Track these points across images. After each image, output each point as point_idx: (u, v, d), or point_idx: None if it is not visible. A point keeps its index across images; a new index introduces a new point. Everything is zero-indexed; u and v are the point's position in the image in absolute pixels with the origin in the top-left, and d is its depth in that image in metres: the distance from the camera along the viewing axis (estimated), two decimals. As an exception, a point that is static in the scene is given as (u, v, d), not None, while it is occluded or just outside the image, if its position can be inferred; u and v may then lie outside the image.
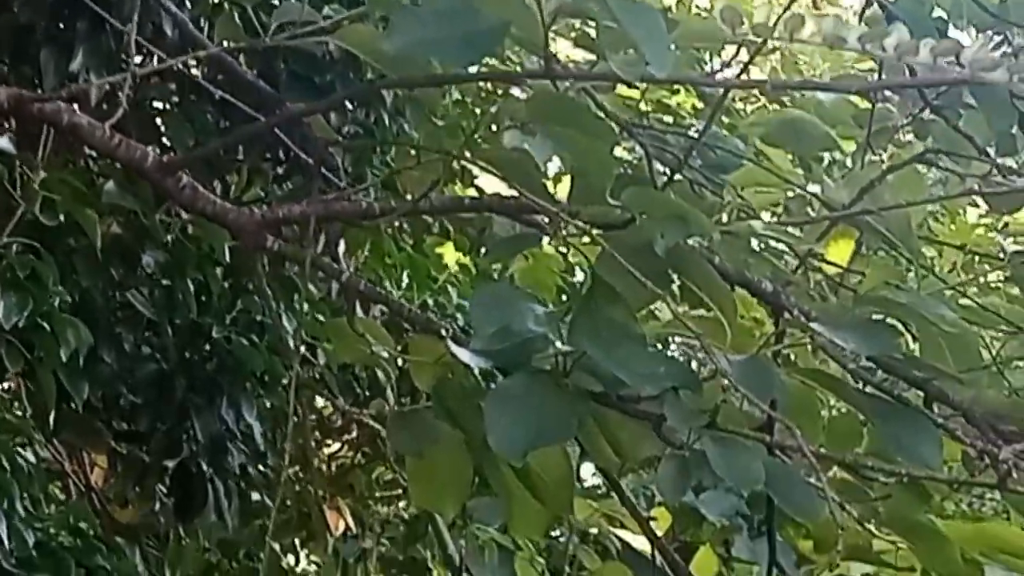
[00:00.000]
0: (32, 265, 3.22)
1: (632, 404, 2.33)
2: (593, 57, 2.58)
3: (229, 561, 4.52)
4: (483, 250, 4.60)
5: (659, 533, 3.53)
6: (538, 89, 2.31)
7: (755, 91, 5.73)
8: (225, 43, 2.93)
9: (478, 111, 4.58)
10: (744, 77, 2.10)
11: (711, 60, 3.49)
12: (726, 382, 2.26)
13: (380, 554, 4.59)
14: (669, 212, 2.29)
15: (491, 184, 4.05)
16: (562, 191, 2.52)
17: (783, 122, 2.54)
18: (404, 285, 4.31)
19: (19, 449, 3.43)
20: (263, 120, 2.95)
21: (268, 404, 3.89)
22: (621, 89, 5.39)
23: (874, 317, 2.23)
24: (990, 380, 2.64)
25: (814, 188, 2.68)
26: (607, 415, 2.38)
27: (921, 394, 2.50)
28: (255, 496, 4.01)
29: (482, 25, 2.04)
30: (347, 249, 4.18)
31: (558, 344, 2.28)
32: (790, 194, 2.53)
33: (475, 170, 4.68)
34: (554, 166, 2.97)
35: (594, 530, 4.05)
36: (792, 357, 3.10)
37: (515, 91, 3.50)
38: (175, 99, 3.62)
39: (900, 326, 2.33)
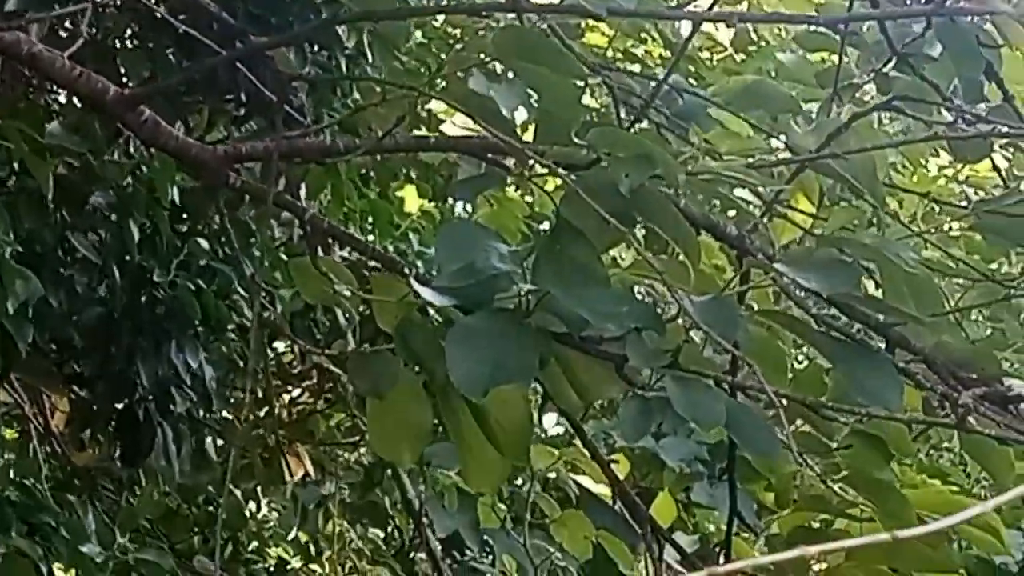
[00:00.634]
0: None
1: (594, 345, 2.32)
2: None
3: (189, 507, 4.50)
4: (449, 199, 4.57)
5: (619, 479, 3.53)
6: (505, 25, 2.29)
7: (721, 42, 5.71)
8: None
9: (443, 56, 4.54)
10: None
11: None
12: (689, 323, 2.25)
13: (340, 500, 4.58)
14: (634, 152, 2.28)
15: (456, 132, 4.01)
16: (529, 137, 2.50)
17: (745, 88, 2.53)
18: (365, 231, 4.28)
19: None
20: (225, 53, 2.91)
21: (223, 348, 3.86)
22: (589, 37, 5.36)
23: (837, 258, 2.22)
24: (950, 331, 2.64)
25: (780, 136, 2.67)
26: (569, 356, 2.37)
27: (883, 340, 2.50)
28: (213, 442, 3.99)
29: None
30: (308, 194, 4.14)
31: (521, 284, 2.26)
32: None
33: (441, 115, 4.65)
34: (521, 115, 2.95)
35: (553, 475, 4.06)
36: (755, 307, 3.10)
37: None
38: (134, 34, 3.56)
39: (862, 269, 2.32)
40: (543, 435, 4.65)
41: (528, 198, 4.88)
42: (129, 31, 3.56)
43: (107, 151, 3.53)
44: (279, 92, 2.68)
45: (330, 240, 3.75)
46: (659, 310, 2.32)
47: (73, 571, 3.71)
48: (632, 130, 2.47)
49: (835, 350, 2.27)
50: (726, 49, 5.58)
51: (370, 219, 4.32)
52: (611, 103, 2.68)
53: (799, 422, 2.77)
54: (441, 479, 3.99)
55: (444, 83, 3.42)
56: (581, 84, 2.53)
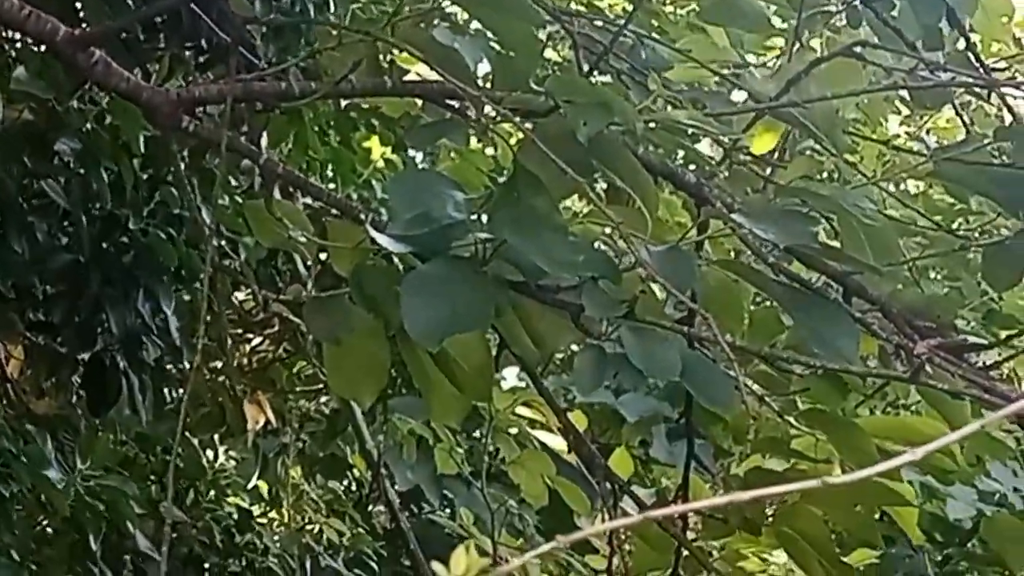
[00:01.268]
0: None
1: (551, 294, 2.31)
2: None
3: (146, 455, 4.48)
4: (412, 151, 4.54)
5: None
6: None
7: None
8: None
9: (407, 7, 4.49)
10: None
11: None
12: (646, 273, 2.24)
13: (299, 449, 4.57)
14: (593, 100, 2.26)
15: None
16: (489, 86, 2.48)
17: (717, 1, 2.51)
18: (328, 179, 4.25)
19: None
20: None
21: (187, 298, 3.84)
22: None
23: (795, 208, 2.22)
24: (906, 282, 2.65)
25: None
26: (526, 305, 2.36)
27: (840, 289, 2.50)
28: (172, 391, 3.97)
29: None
30: (270, 143, 4.10)
31: (478, 232, 2.25)
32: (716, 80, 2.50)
33: (404, 65, 4.61)
34: (484, 68, 2.92)
35: (514, 430, 4.06)
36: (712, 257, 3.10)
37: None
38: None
39: (821, 219, 2.32)
40: (501, 388, 4.64)
41: (491, 151, 4.86)
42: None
43: (72, 98, 3.49)
44: (234, 35, 2.64)
45: (291, 189, 3.73)
46: (616, 260, 2.31)
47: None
48: (592, 79, 2.45)
49: (792, 299, 2.27)
50: (690, 2, 5.56)
51: (332, 168, 4.29)
52: (572, 58, 2.67)
53: (756, 361, 2.77)
54: (400, 426, 3.98)
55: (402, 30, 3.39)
56: (542, 34, 2.52)
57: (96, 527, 3.79)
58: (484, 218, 2.25)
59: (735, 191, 2.73)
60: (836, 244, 2.55)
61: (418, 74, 3.62)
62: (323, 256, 2.86)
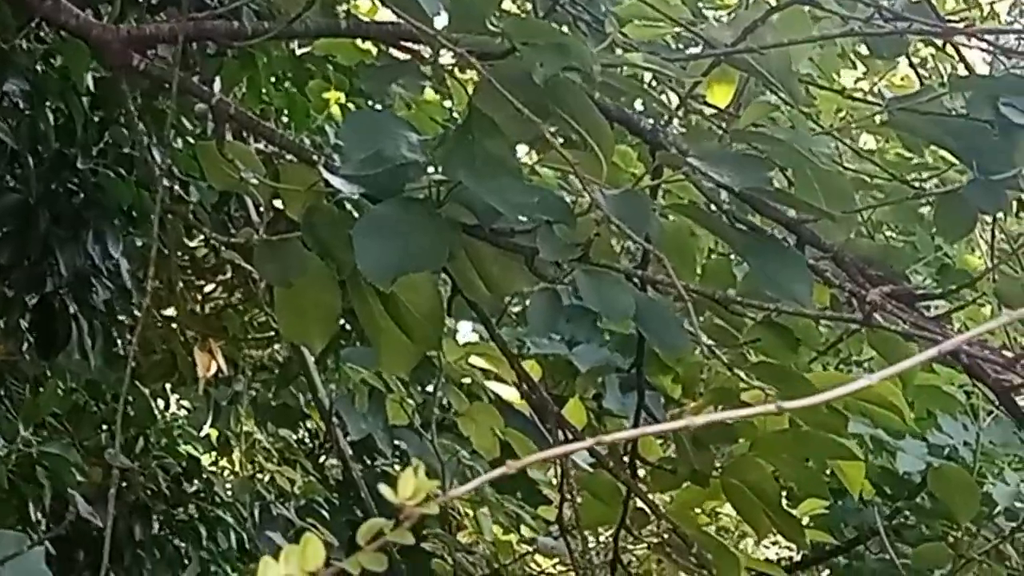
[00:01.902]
0: None
1: (505, 237, 2.30)
2: None
3: (96, 403, 4.45)
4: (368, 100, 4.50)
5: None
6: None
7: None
8: None
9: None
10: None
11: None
12: (601, 217, 2.23)
13: (252, 398, 4.55)
14: (549, 41, 2.24)
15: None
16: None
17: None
18: (282, 126, 4.21)
19: None
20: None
21: (139, 244, 3.80)
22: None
23: (750, 152, 2.21)
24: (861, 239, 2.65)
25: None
26: (479, 248, 2.35)
27: (794, 237, 2.50)
28: (123, 338, 3.93)
29: None
30: (223, 87, 4.05)
31: (432, 174, 2.23)
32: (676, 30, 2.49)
33: (362, 15, 4.56)
34: (441, 21, 2.89)
35: (467, 380, 4.05)
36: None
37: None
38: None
39: (775, 165, 2.31)
40: (456, 342, 4.63)
41: (447, 104, 4.83)
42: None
43: (19, 36, 3.43)
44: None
45: (244, 133, 3.69)
46: (571, 204, 2.30)
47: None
48: (547, 15, 2.43)
49: (746, 244, 2.27)
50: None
51: (286, 114, 4.25)
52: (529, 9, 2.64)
53: (708, 314, 2.78)
54: (352, 375, 3.96)
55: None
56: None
57: (36, 495, 3.76)
58: (438, 160, 2.23)
59: (691, 144, 2.72)
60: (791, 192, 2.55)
61: (374, 22, 3.59)
62: (278, 204, 2.84)
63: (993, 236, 3.32)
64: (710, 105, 2.75)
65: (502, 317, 4.73)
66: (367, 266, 2.08)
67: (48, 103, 3.45)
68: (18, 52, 3.46)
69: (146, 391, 4.53)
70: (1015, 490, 3.82)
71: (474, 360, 3.93)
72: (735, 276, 2.66)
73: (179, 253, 4.07)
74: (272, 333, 4.31)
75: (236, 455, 4.56)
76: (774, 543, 5.83)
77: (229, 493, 4.28)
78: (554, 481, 3.92)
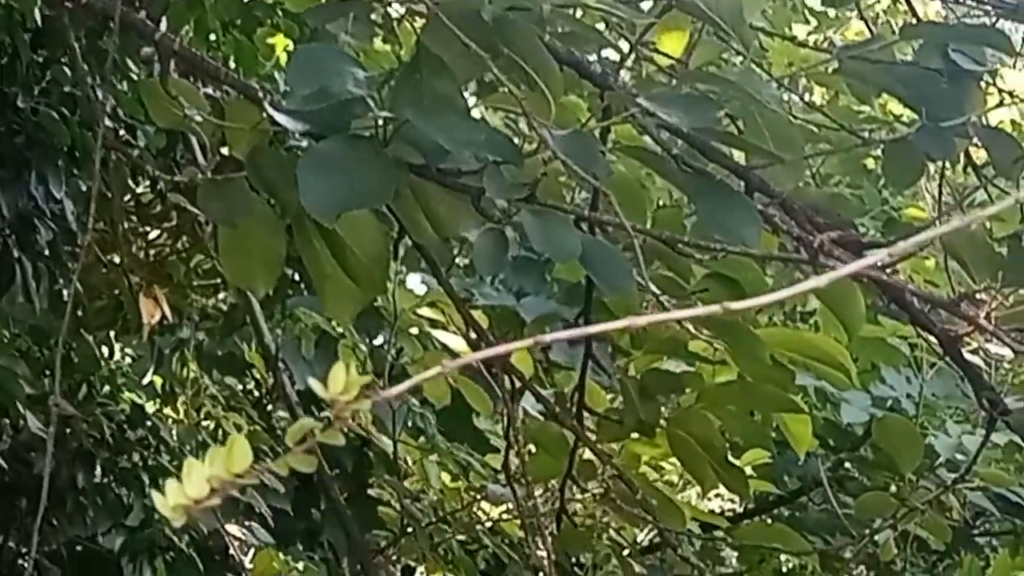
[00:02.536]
0: None
1: (452, 177, 2.28)
2: None
3: (40, 349, 4.40)
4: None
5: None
6: None
7: None
8: None
9: None
10: None
11: None
12: (549, 157, 2.21)
13: (197, 345, 4.51)
14: (499, -21, 2.21)
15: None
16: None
17: None
18: (230, 71, 4.15)
19: None
20: None
21: (83, 186, 3.75)
22: None
23: (699, 93, 2.20)
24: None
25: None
26: (426, 188, 2.33)
27: (742, 183, 2.50)
28: (68, 283, 3.88)
29: None
30: (169, 29, 4.00)
31: (379, 111, 2.20)
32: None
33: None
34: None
35: (414, 330, 4.03)
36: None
37: None
38: None
39: (724, 108, 2.30)
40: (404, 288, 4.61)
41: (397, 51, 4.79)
42: None
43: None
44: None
45: (190, 77, 3.64)
46: (518, 144, 2.28)
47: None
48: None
49: (695, 187, 2.26)
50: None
51: (234, 61, 4.20)
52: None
53: (656, 265, 2.78)
54: (303, 318, 3.93)
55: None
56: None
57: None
58: (385, 97, 2.21)
59: (641, 89, 2.70)
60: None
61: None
62: (224, 151, 2.80)
63: (940, 189, 3.33)
64: (662, 53, 2.73)
65: (451, 267, 4.71)
66: (311, 202, 2.06)
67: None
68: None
69: (90, 338, 4.48)
70: (956, 442, 3.85)
71: (422, 311, 3.91)
72: (685, 227, 2.66)
73: (124, 198, 4.02)
74: (218, 280, 4.26)
75: (181, 403, 4.52)
76: (717, 495, 5.86)
77: (173, 441, 4.24)
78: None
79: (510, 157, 2.18)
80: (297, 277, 4.34)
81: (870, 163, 4.92)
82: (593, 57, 3.21)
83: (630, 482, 3.04)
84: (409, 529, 3.91)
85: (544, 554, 3.13)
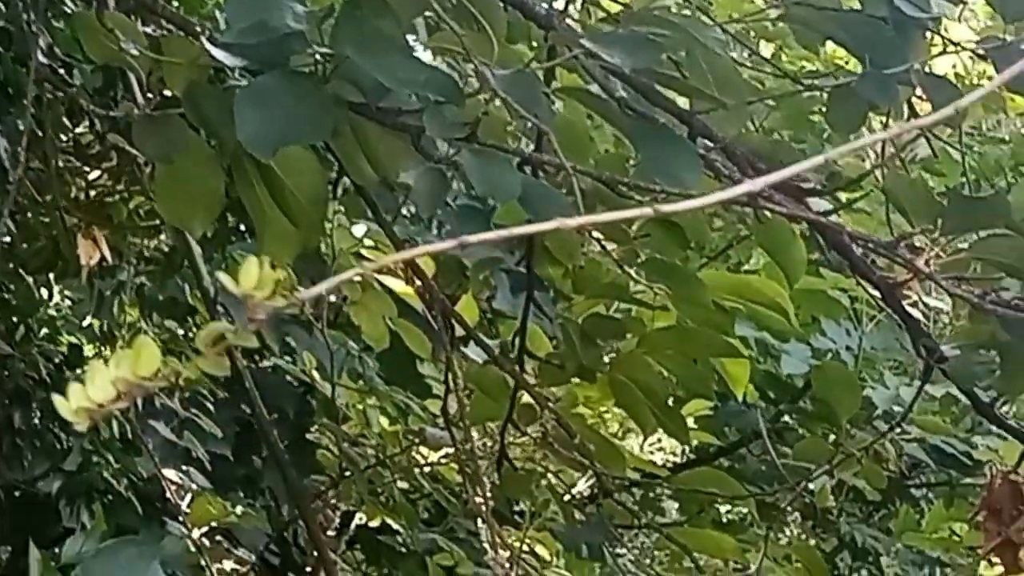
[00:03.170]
0: None
1: (392, 116, 2.25)
2: None
3: (-24, 293, 4.34)
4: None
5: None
6: None
7: None
8: None
9: None
10: None
11: None
12: (490, 96, 2.19)
13: (137, 288, 4.46)
14: (442, -85, 2.19)
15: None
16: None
17: None
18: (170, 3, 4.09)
19: None
20: None
21: (20, 125, 3.68)
22: None
23: (643, 33, 2.18)
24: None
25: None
26: (365, 127, 2.30)
27: (685, 128, 2.49)
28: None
29: None
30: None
31: (319, 47, 2.17)
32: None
33: None
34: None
35: (357, 276, 4.00)
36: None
37: None
38: None
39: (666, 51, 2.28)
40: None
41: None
42: None
43: None
44: None
45: (132, 17, 3.58)
46: (460, 84, 2.26)
47: None
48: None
49: (637, 130, 2.25)
50: None
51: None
52: None
53: (600, 209, 2.76)
54: (241, 261, 3.88)
55: None
56: None
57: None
58: (326, 34, 2.18)
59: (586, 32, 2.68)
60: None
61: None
62: (167, 93, 2.76)
63: (884, 143, 3.33)
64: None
65: (397, 216, 4.68)
66: (247, 136, 2.03)
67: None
68: None
69: (29, 279, 4.42)
70: (894, 393, 3.88)
71: (367, 254, 3.88)
72: (628, 173, 2.65)
73: (62, 137, 3.96)
74: (159, 222, 4.21)
75: (120, 346, 4.47)
76: (660, 449, 5.89)
77: (111, 383, 4.20)
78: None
79: (451, 97, 2.16)
80: (242, 228, 4.30)
81: (815, 118, 4.93)
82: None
83: (568, 426, 3.04)
84: (347, 473, 3.90)
85: (482, 500, 3.13)
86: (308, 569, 4.31)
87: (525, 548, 3.49)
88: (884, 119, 3.05)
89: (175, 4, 4.24)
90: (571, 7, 2.77)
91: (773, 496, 3.37)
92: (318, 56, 2.18)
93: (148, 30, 3.71)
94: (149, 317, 4.55)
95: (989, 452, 3.67)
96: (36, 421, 4.18)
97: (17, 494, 4.27)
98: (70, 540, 3.93)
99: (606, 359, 3.19)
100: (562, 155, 2.17)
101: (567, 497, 3.65)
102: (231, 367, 4.56)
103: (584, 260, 3.18)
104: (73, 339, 4.50)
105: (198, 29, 2.37)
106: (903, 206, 2.36)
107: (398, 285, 3.88)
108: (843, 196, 2.60)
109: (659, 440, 5.12)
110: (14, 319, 4.32)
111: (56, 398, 0.97)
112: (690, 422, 4.40)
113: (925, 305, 3.24)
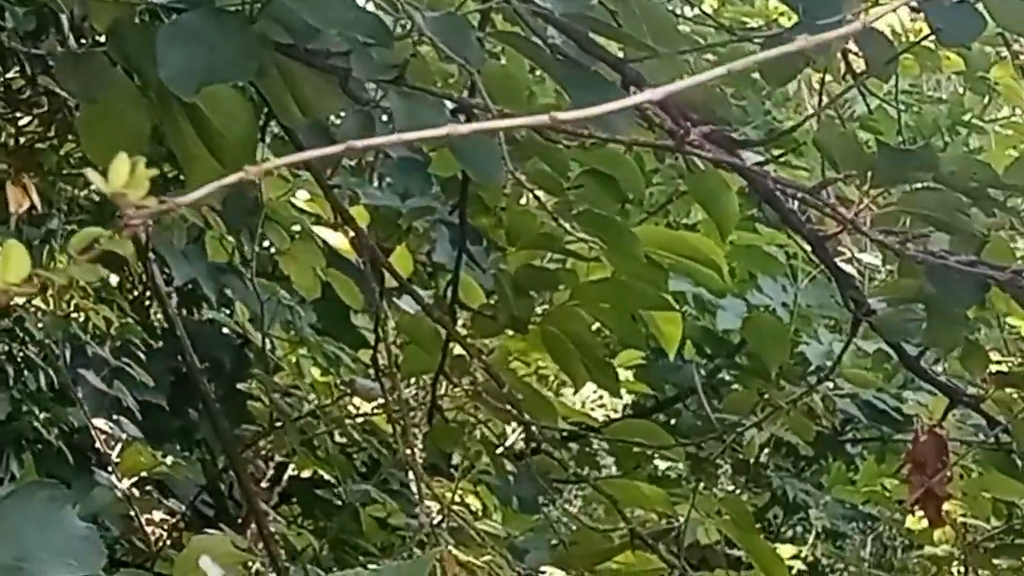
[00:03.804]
0: None
1: (320, 58, 2.22)
2: None
3: (-96, 236, 4.26)
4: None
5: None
6: None
7: None
8: None
9: None
10: None
11: None
12: (420, 38, 2.16)
13: (67, 235, 4.40)
14: None
15: None
16: None
17: None
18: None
19: None
20: None
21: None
22: None
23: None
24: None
25: None
26: (293, 68, 2.27)
27: (619, 77, 2.47)
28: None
29: None
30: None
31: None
32: None
33: None
34: None
35: (296, 228, 3.97)
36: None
37: None
38: None
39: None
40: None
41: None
42: None
43: None
44: None
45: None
46: (390, 22, 2.22)
47: None
48: None
49: (569, 76, 2.23)
50: None
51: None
52: None
53: (533, 160, 2.75)
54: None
55: None
56: None
57: None
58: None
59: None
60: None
61: None
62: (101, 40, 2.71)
63: (821, 95, 3.33)
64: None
65: (337, 167, 4.63)
66: (169, 74, 1.99)
67: None
68: None
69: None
70: (827, 349, 3.90)
71: (300, 204, 3.84)
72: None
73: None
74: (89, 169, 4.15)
75: (49, 294, 4.41)
76: (601, 405, 5.90)
77: (41, 332, 4.15)
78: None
79: (380, 38, 2.13)
80: (182, 178, 4.24)
81: (755, 75, 4.92)
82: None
83: (498, 377, 3.03)
84: (279, 423, 3.87)
85: (412, 451, 3.12)
86: (240, 520, 4.28)
87: (457, 500, 3.48)
88: (821, 80, 3.06)
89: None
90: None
91: (702, 447, 3.38)
92: (245, -4, 2.14)
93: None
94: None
95: (918, 407, 3.70)
96: (-37, 370, 4.11)
97: (-55, 444, 4.21)
98: (-2, 489, 3.89)
99: (539, 311, 3.19)
100: (491, 101, 2.15)
101: (500, 450, 3.65)
102: (163, 316, 4.52)
103: (519, 210, 3.17)
104: None
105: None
106: (833, 158, 2.36)
107: (330, 234, 3.85)
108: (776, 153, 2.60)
109: (600, 396, 5.13)
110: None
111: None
112: (627, 374, 4.40)
113: (858, 261, 3.25)
